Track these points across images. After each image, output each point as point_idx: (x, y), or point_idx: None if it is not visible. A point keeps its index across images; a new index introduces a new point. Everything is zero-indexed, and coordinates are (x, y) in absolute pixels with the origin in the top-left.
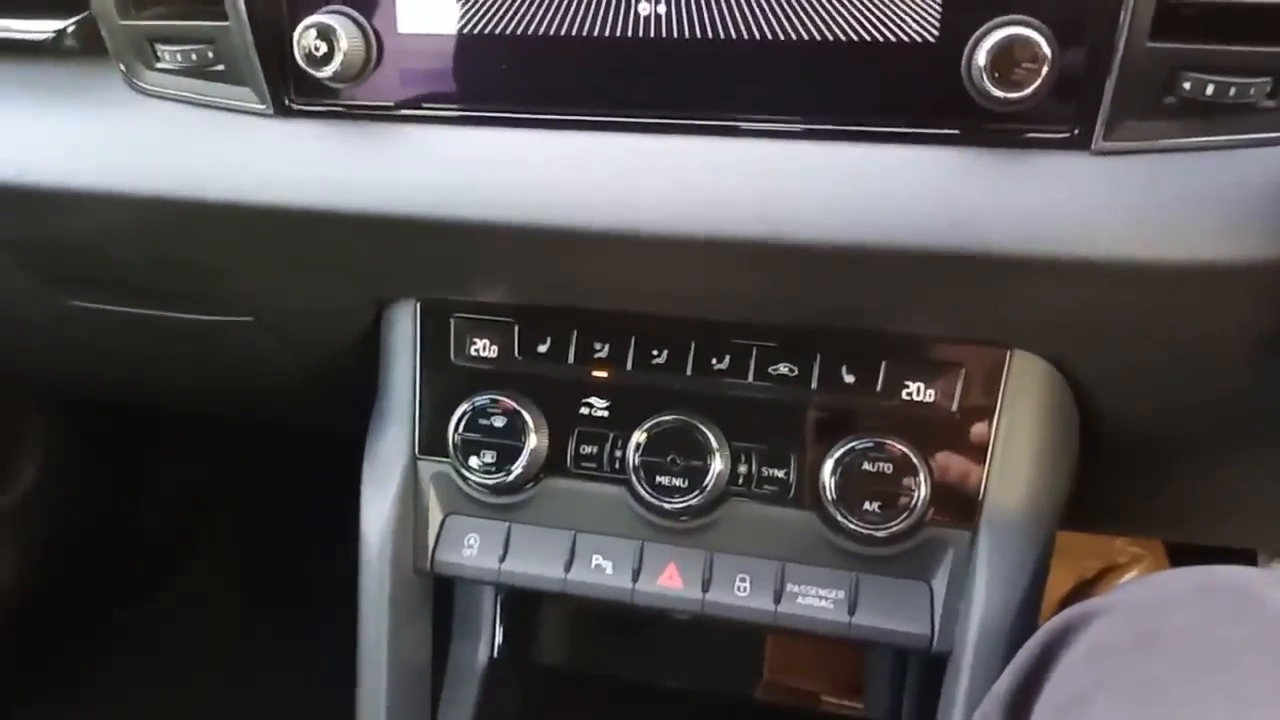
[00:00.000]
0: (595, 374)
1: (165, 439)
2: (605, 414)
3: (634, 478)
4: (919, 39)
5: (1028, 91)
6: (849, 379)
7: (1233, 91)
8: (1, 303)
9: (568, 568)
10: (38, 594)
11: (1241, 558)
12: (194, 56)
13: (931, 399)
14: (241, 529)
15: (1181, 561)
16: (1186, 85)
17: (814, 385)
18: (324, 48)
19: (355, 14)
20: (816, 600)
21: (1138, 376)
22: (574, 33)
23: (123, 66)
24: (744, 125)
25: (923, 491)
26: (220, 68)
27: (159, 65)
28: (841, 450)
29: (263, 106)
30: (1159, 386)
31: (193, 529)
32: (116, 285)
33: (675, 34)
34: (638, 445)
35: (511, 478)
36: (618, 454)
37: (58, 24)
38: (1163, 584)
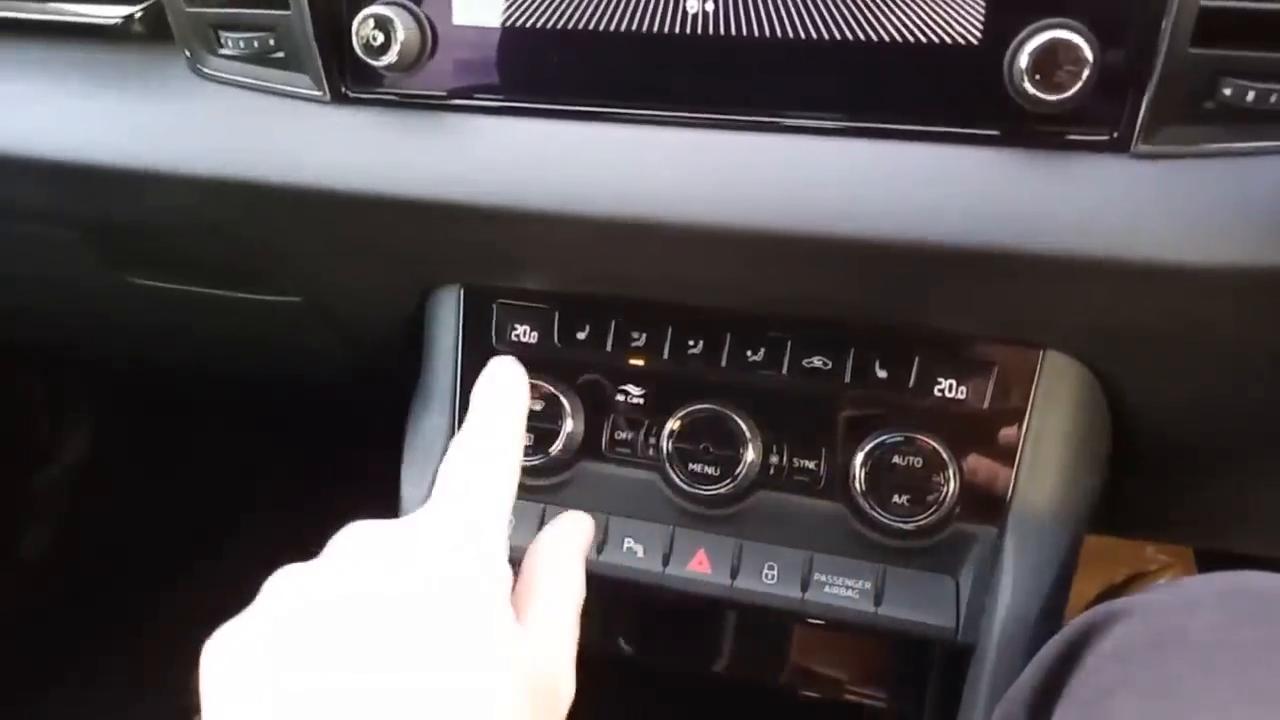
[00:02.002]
0: (632, 362)
1: (211, 415)
2: (641, 401)
3: (667, 464)
4: (962, 40)
5: (1068, 94)
6: (881, 374)
7: (1274, 98)
8: (62, 279)
9: (600, 550)
10: (82, 564)
11: (1272, 567)
12: (255, 44)
13: (963, 396)
14: (283, 506)
15: (1211, 570)
16: (1227, 91)
17: (847, 379)
18: (381, 38)
19: (411, 5)
20: (843, 590)
21: (1171, 381)
22: (623, 28)
23: (187, 52)
24: (787, 122)
25: (951, 487)
26: (280, 55)
27: (222, 51)
28: (872, 444)
29: (320, 94)
30: (1192, 392)
31: (235, 504)
32: (174, 264)
33: (722, 31)
34: (672, 433)
35: (548, 460)
36: (652, 441)
37: (126, 9)
38: (1187, 587)
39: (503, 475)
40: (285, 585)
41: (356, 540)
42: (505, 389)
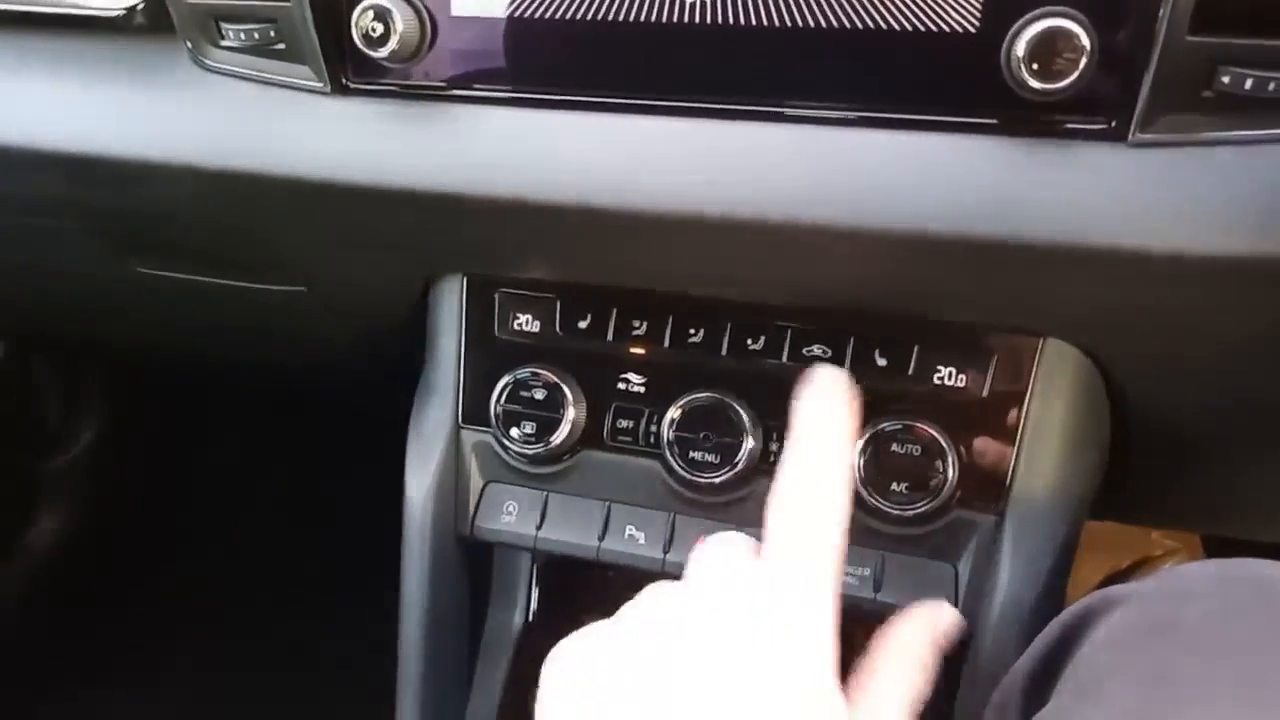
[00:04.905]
0: (633, 351)
1: (218, 404)
2: (642, 390)
3: (668, 452)
4: (959, 28)
5: (1065, 83)
6: (881, 362)
7: (1271, 86)
8: (70, 269)
9: (602, 537)
10: (92, 549)
11: (1277, 553)
12: (256, 35)
13: (962, 384)
14: (289, 496)
15: (1217, 555)
16: (1225, 79)
17: (846, 367)
18: (380, 29)
19: None
20: (843, 576)
21: (1170, 369)
22: (621, 18)
23: (189, 43)
24: (786, 111)
25: (950, 475)
26: (281, 46)
27: (223, 43)
28: (871, 431)
29: (321, 85)
30: (1191, 380)
31: (241, 492)
32: (179, 254)
33: (720, 21)
34: (672, 421)
35: (550, 448)
36: (653, 429)
37: (127, 1)
38: (1184, 575)
39: (836, 525)
40: (649, 608)
41: (705, 590)
42: (832, 410)
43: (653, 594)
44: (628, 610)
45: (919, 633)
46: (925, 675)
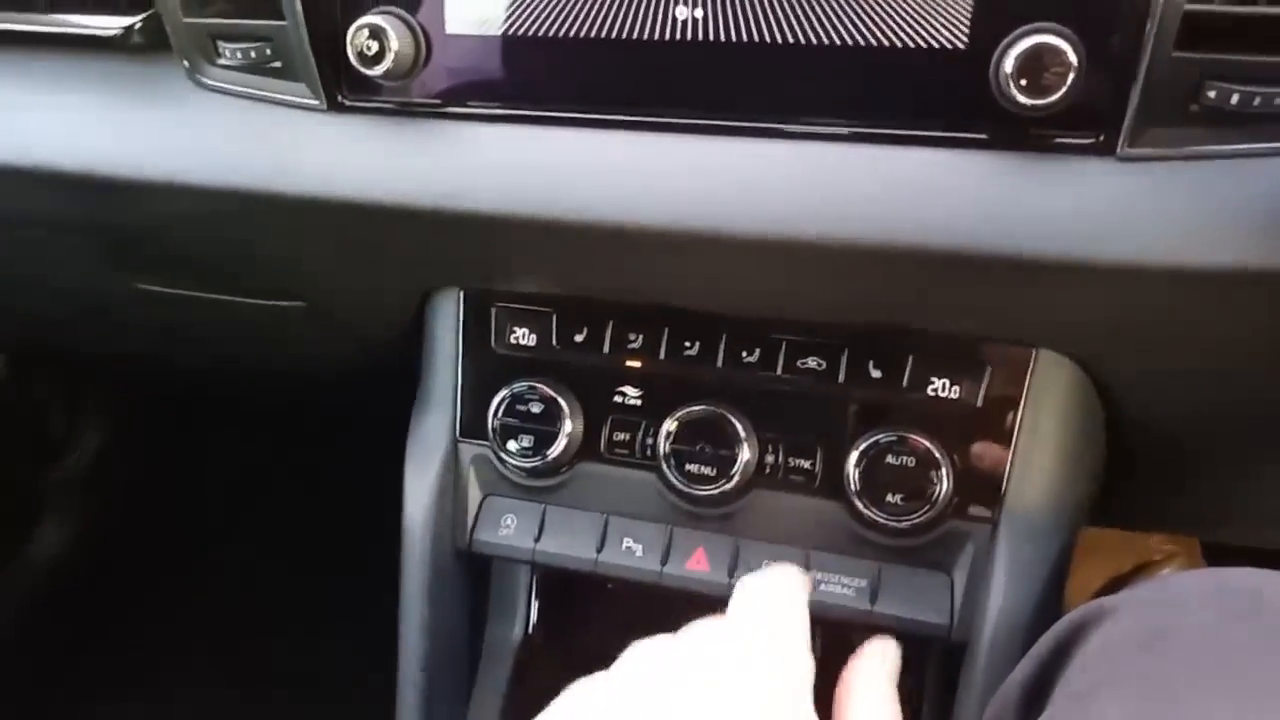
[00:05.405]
0: (629, 364)
1: (218, 415)
2: (638, 402)
3: (664, 465)
4: (949, 45)
5: (1054, 98)
6: (876, 374)
7: (1257, 101)
8: (72, 285)
9: (600, 549)
10: (94, 558)
11: (1275, 559)
12: (253, 54)
13: (956, 395)
14: (288, 506)
15: (1217, 560)
16: (1211, 94)
17: (841, 379)
18: (375, 47)
19: (405, 15)
20: (839, 588)
21: (1161, 379)
22: (613, 35)
23: (186, 62)
24: (778, 127)
25: (945, 485)
26: (277, 65)
27: (220, 61)
28: (866, 443)
29: (317, 102)
30: (1183, 389)
31: (242, 503)
32: (178, 270)
33: (710, 37)
34: (669, 433)
35: (548, 461)
36: (649, 441)
37: (125, 20)
38: (1176, 584)
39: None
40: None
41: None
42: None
43: (643, 649)
44: (620, 665)
45: (879, 671)
46: (897, 710)
